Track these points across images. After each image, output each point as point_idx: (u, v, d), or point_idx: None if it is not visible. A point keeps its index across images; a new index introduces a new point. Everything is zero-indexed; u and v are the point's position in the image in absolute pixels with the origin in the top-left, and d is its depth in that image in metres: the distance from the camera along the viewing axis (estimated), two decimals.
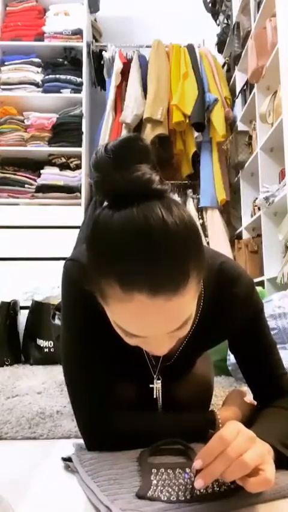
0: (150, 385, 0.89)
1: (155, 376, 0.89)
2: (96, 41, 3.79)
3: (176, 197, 3.33)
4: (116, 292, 0.59)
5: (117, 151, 0.61)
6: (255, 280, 2.78)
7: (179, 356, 0.88)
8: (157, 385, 0.89)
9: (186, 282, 0.59)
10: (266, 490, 0.63)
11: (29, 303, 2.80)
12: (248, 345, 0.89)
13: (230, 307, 0.85)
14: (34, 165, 3.41)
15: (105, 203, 0.63)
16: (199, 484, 0.57)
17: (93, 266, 0.62)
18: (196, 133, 3.39)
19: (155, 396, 0.89)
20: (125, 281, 0.58)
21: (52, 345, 2.60)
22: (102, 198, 0.63)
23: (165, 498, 0.61)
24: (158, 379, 0.89)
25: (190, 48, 3.49)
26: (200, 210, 3.44)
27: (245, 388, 1.07)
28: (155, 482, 0.65)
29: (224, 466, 0.57)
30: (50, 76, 3.48)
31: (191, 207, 3.43)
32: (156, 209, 0.58)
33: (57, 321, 2.58)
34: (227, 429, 0.60)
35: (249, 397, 0.99)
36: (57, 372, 2.02)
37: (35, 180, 3.36)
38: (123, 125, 3.36)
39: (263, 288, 2.63)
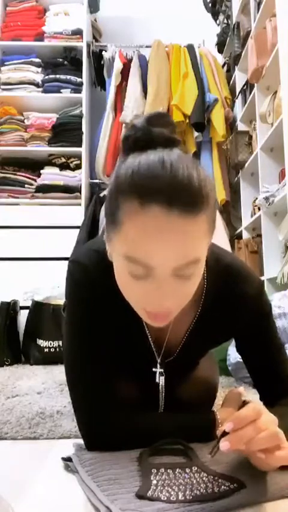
0: (153, 369, 0.89)
1: (158, 361, 0.89)
2: (96, 41, 3.79)
3: None
4: (133, 206, 0.62)
5: (151, 117, 0.70)
6: None
7: (182, 350, 0.88)
8: (161, 381, 0.89)
9: (201, 207, 0.63)
10: (266, 490, 0.63)
11: (29, 303, 2.80)
12: (256, 346, 0.89)
13: (238, 305, 0.85)
14: (34, 165, 3.41)
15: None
16: (225, 446, 0.59)
17: (115, 188, 0.66)
18: (196, 133, 3.39)
19: (159, 389, 0.89)
20: (143, 192, 0.62)
21: (52, 344, 2.60)
22: (131, 147, 0.68)
23: (165, 498, 0.61)
24: (162, 375, 0.89)
25: (190, 48, 3.49)
26: None
27: (242, 388, 1.07)
28: (155, 482, 0.65)
29: (254, 434, 0.60)
30: (50, 76, 3.48)
31: None
32: (181, 153, 0.66)
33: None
34: (258, 405, 0.65)
35: (247, 397, 0.99)
36: (57, 372, 2.02)
37: (35, 180, 3.36)
38: (123, 124, 3.36)
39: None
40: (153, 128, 0.68)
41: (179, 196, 0.61)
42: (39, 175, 3.37)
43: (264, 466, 0.65)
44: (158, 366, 0.89)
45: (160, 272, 0.64)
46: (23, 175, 3.37)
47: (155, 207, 0.61)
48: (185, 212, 0.61)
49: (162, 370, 0.89)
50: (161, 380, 0.89)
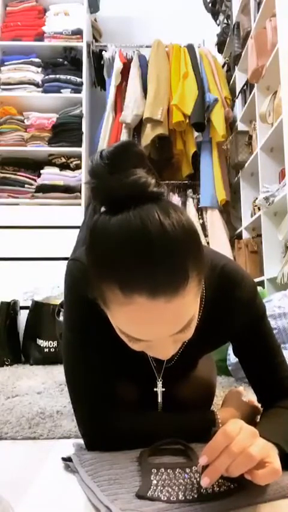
0: (155, 389, 0.89)
1: (158, 380, 0.89)
2: (96, 41, 3.79)
3: (175, 198, 3.34)
4: (116, 296, 0.59)
5: (112, 157, 0.62)
6: (255, 280, 2.78)
7: (180, 357, 0.88)
8: (159, 387, 0.89)
9: (186, 283, 0.59)
10: (266, 490, 0.63)
11: (29, 303, 2.81)
12: (251, 349, 0.89)
13: (233, 311, 0.85)
14: (34, 165, 3.41)
15: (102, 209, 0.63)
16: (205, 482, 0.58)
17: (94, 272, 0.63)
18: (196, 133, 3.39)
19: (159, 400, 0.89)
20: (124, 285, 0.58)
21: (52, 344, 2.60)
22: (99, 204, 0.64)
23: (165, 498, 0.61)
24: (160, 380, 0.89)
25: (190, 48, 3.49)
26: (200, 210, 3.44)
27: (242, 388, 1.07)
28: (155, 482, 0.65)
29: (229, 461, 0.58)
30: (50, 76, 3.48)
31: (191, 207, 3.43)
32: (153, 212, 0.58)
33: (61, 318, 2.59)
34: (230, 426, 0.62)
35: (247, 397, 0.99)
36: (57, 372, 2.03)
37: (35, 180, 3.36)
38: (123, 124, 3.36)
39: (263, 288, 2.63)
40: (119, 173, 0.60)
41: (162, 285, 0.57)
42: (39, 175, 3.37)
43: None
44: (159, 377, 0.89)
45: (156, 340, 0.64)
46: (23, 175, 3.37)
47: (138, 298, 0.57)
48: (172, 297, 0.58)
49: (161, 378, 0.90)
50: (159, 385, 0.90)
